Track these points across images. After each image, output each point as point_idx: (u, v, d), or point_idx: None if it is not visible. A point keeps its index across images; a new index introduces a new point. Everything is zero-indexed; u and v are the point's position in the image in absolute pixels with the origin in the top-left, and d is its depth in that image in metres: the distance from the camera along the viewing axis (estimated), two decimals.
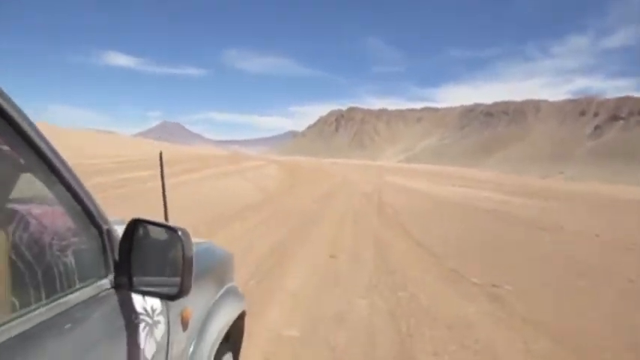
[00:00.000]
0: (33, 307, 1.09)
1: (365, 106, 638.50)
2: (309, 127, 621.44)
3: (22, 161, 1.17)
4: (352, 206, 16.18)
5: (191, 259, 1.43)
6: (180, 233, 1.44)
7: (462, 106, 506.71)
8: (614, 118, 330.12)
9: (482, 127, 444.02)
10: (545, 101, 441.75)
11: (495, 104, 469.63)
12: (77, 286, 1.27)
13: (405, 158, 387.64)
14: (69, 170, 1.24)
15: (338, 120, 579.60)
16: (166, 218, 2.31)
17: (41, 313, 1.09)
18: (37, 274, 1.14)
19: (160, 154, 2.54)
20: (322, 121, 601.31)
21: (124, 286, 1.42)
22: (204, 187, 17.38)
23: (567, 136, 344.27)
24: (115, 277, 1.42)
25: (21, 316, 1.03)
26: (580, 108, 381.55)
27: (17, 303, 1.07)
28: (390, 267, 7.62)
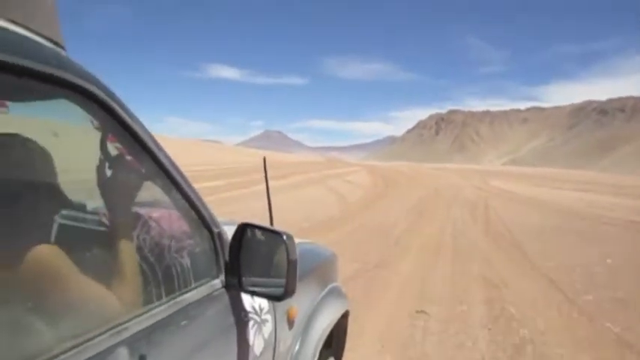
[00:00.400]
0: (155, 304, 1.19)
1: (466, 109, 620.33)
2: (408, 132, 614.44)
3: (143, 170, 1.27)
4: (452, 223, 12.84)
5: (295, 261, 1.49)
6: (284, 237, 1.50)
7: (571, 105, 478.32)
8: None
9: (594, 126, 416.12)
10: None
11: (610, 101, 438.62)
12: (192, 286, 1.36)
13: (510, 161, 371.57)
14: (184, 178, 1.32)
15: (438, 123, 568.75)
16: (271, 222, 2.38)
17: (162, 310, 1.18)
18: (158, 274, 1.26)
19: (264, 159, 2.58)
20: (421, 125, 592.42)
21: (234, 286, 1.50)
22: (285, 197, 14.87)
23: None
24: (225, 278, 1.51)
25: (145, 312, 1.13)
26: None
27: (142, 300, 1.18)
28: (517, 339, 4.72)
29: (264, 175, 2.39)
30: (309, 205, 14.60)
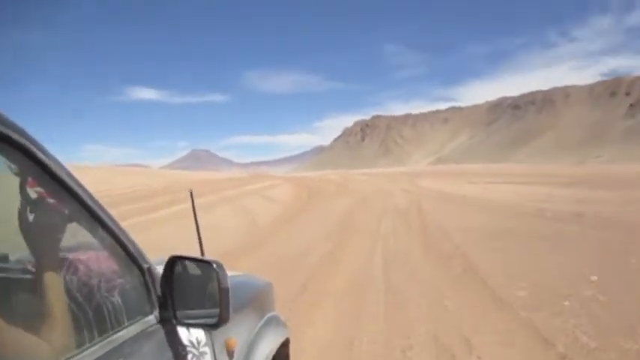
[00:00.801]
0: (87, 345, 1.16)
1: (389, 113, 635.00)
2: (335, 140, 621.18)
3: (66, 212, 1.23)
4: (383, 241, 10.13)
5: (227, 289, 1.49)
6: (214, 266, 1.50)
7: (487, 102, 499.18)
8: None
9: (511, 121, 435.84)
10: (574, 86, 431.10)
11: (522, 96, 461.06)
12: (126, 324, 1.34)
13: (436, 160, 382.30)
14: (109, 216, 1.31)
15: (363, 129, 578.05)
16: (202, 252, 2.36)
17: (95, 350, 1.16)
18: (89, 314, 1.23)
19: (191, 192, 2.52)
20: (347, 133, 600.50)
21: (169, 320, 1.49)
22: (174, 226, 12.43)
23: (600, 119, 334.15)
24: (159, 313, 1.49)
25: (78, 354, 1.10)
26: (610, 89, 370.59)
27: (74, 342, 1.15)
28: None
29: (191, 204, 2.38)
30: (208, 233, 10.49)
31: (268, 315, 2.47)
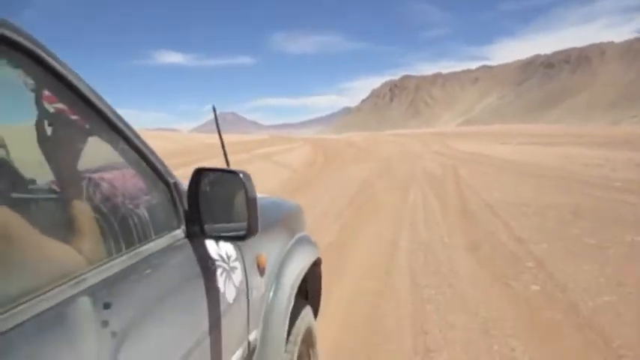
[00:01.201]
0: (115, 256, 1.15)
1: (418, 74, 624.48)
2: (363, 101, 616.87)
3: (87, 126, 1.22)
4: (409, 225, 7.52)
5: (255, 199, 1.46)
6: (241, 176, 1.47)
7: (518, 61, 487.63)
8: None
9: (543, 80, 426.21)
10: (610, 43, 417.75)
11: (555, 53, 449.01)
12: (152, 238, 1.32)
13: (464, 121, 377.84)
14: (133, 132, 1.29)
15: (392, 90, 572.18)
16: (227, 164, 2.23)
17: (122, 261, 1.14)
18: (115, 227, 1.21)
19: (214, 107, 2.42)
20: (375, 94, 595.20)
21: (197, 234, 1.46)
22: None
23: (636, 78, 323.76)
24: (186, 227, 1.46)
25: (104, 263, 1.10)
26: None
27: (101, 252, 1.14)
28: None
29: (215, 120, 2.27)
30: None
31: (299, 235, 2.45)
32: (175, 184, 1.45)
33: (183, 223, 1.46)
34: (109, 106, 1.19)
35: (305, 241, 2.49)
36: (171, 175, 1.45)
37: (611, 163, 15.94)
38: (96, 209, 1.20)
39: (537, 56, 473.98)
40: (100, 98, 1.16)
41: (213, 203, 1.49)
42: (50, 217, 1.18)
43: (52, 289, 0.91)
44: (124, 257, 1.16)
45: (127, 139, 1.27)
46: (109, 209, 1.24)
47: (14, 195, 1.19)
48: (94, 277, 1.03)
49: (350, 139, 51.36)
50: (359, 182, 13.36)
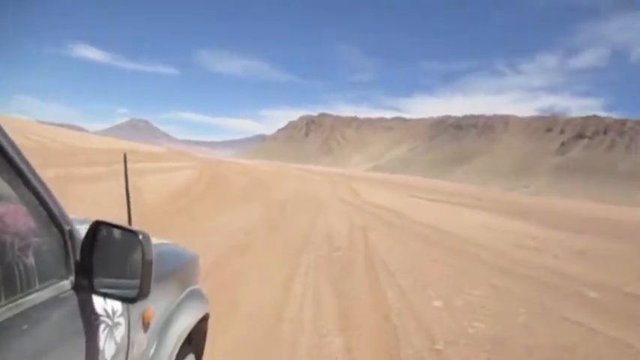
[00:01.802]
0: None
1: (335, 113, 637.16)
2: (279, 131, 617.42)
3: None
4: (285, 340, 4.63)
5: (150, 262, 1.44)
6: (140, 237, 1.45)
7: (432, 118, 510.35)
8: (580, 136, 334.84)
9: (451, 139, 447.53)
10: (514, 116, 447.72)
11: (465, 117, 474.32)
12: (37, 287, 1.26)
13: (373, 167, 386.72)
14: (32, 170, 1.24)
15: (308, 125, 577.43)
16: (129, 220, 2.30)
17: (0, 313, 1.08)
18: (4, 277, 1.13)
19: (125, 155, 2.42)
20: (292, 126, 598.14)
21: (85, 287, 1.42)
22: None
23: (533, 151, 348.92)
24: (75, 279, 1.41)
25: None
26: (547, 125, 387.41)
27: None
28: None
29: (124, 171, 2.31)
30: None
31: (190, 288, 2.40)
32: (70, 232, 1.40)
33: (73, 274, 1.41)
34: (10, 141, 1.14)
35: (196, 295, 2.43)
36: (67, 221, 1.39)
37: (544, 244, 13.80)
38: None
39: (448, 117, 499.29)
40: (4, 132, 1.12)
41: (107, 257, 1.44)
42: None
43: None
44: (1, 310, 1.09)
45: (22, 174, 1.21)
46: None
47: None
48: None
49: (254, 167, 49.16)
50: (226, 241, 8.97)
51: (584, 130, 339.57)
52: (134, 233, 1.45)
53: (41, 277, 1.26)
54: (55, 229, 1.35)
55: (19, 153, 1.17)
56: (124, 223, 1.66)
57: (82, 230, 1.46)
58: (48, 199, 1.30)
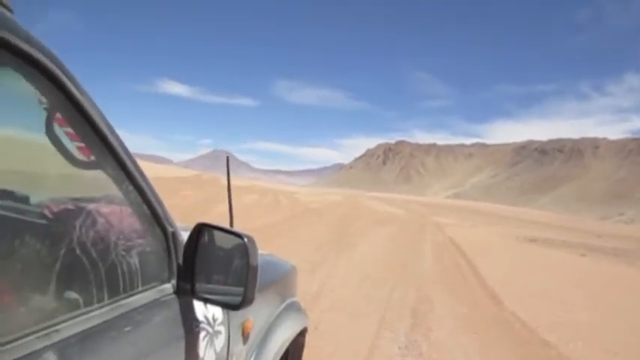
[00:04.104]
0: (95, 306, 1.08)
1: (413, 141, 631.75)
2: (356, 159, 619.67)
3: (93, 158, 1.14)
4: None
5: (256, 268, 1.39)
6: (246, 240, 1.40)
7: (514, 143, 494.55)
8: None
9: (535, 165, 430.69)
10: (604, 139, 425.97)
11: (550, 141, 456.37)
12: (139, 289, 1.25)
13: (454, 194, 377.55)
14: (139, 170, 1.23)
15: (386, 153, 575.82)
16: (231, 223, 2.26)
17: (102, 313, 1.08)
18: (101, 273, 1.12)
19: (227, 158, 2.48)
20: (369, 154, 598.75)
21: (186, 292, 1.38)
22: None
23: (628, 176, 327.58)
24: (177, 282, 1.38)
25: (82, 314, 1.03)
26: None
27: (80, 300, 1.05)
28: None
29: (226, 176, 2.29)
30: None
31: (289, 300, 2.35)
32: (174, 234, 1.36)
33: (175, 277, 1.37)
34: (119, 139, 1.14)
35: (294, 307, 2.39)
36: (171, 222, 1.36)
37: None
38: (85, 248, 1.09)
39: (532, 141, 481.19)
40: (112, 130, 1.12)
41: (209, 261, 1.41)
42: (33, 248, 1.02)
43: (13, 340, 0.83)
44: (104, 309, 1.09)
45: (130, 176, 1.20)
46: (100, 250, 1.13)
47: None
48: (66, 330, 0.95)
49: (324, 200, 39.72)
50: None
51: None
52: (239, 236, 1.40)
53: (144, 279, 1.26)
54: (158, 231, 1.32)
55: (127, 151, 1.16)
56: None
57: (184, 235, 1.42)
58: (153, 199, 1.27)
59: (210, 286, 1.40)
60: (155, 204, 1.29)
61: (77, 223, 1.09)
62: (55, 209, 1.12)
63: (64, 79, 0.92)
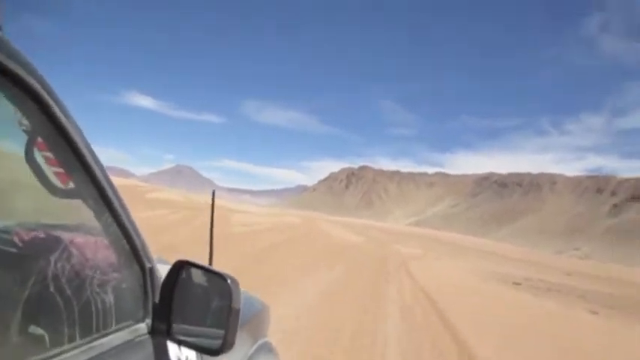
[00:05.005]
0: (65, 347, 1.00)
1: (377, 167, 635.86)
2: (320, 182, 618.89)
3: (71, 185, 1.09)
4: None
5: (238, 311, 1.31)
6: (229, 282, 1.31)
7: (475, 174, 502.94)
8: (634, 198, 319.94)
9: (495, 197, 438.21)
10: (562, 175, 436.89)
11: (510, 175, 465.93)
12: (113, 328, 1.17)
13: (415, 222, 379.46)
14: (121, 202, 1.16)
15: (349, 177, 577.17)
16: (211, 262, 2.10)
17: (73, 355, 1.00)
18: (74, 309, 1.05)
19: (213, 192, 2.24)
20: (332, 177, 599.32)
21: (162, 332, 1.30)
22: None
23: (584, 212, 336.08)
24: (152, 322, 1.30)
25: (52, 356, 0.95)
26: (597, 185, 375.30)
27: (48, 339, 0.99)
28: None
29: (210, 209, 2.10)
30: None
31: (261, 341, 2.26)
32: (151, 270, 1.29)
33: (150, 316, 1.30)
34: (102, 168, 1.07)
35: (266, 349, 2.29)
36: (149, 258, 1.29)
37: None
38: (58, 281, 1.01)
39: (492, 174, 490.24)
40: (96, 158, 1.05)
41: (188, 301, 1.33)
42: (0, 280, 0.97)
43: None
44: (75, 351, 1.00)
45: (111, 207, 1.12)
46: (73, 285, 1.05)
47: None
48: None
49: (281, 221, 38.29)
50: None
51: (639, 192, 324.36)
52: (222, 277, 1.31)
53: (118, 317, 1.18)
54: (136, 266, 1.25)
55: (108, 180, 1.09)
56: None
57: (161, 269, 1.35)
58: (132, 233, 1.20)
59: (187, 327, 1.30)
60: (135, 238, 1.21)
61: (49, 253, 1.02)
62: (26, 237, 1.06)
63: (50, 101, 0.87)
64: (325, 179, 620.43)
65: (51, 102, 0.86)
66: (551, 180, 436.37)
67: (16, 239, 1.07)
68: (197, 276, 1.37)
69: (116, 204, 1.12)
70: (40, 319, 0.97)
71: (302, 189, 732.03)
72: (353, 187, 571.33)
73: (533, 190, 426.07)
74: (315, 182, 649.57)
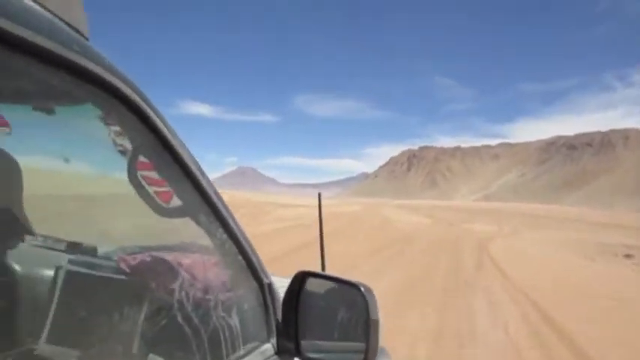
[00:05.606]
0: None
1: (438, 145, 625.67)
2: (381, 168, 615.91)
3: (179, 203, 1.02)
4: None
5: (377, 322, 1.17)
6: (362, 290, 1.17)
7: (540, 140, 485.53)
8: None
9: (564, 161, 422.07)
10: (634, 129, 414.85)
11: (578, 136, 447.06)
12: (241, 352, 1.10)
13: (482, 197, 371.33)
14: (232, 215, 1.09)
15: (410, 159, 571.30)
16: (323, 268, 1.98)
17: None
18: (196, 335, 0.98)
19: (319, 195, 2.10)
20: (393, 162, 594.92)
21: (290, 351, 1.21)
22: None
23: None
24: (277, 341, 1.22)
25: None
26: None
27: None
28: None
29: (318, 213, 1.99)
30: None
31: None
32: (270, 286, 1.21)
33: (274, 335, 1.21)
34: (210, 183, 1.01)
35: (383, 354, 1.97)
36: (266, 273, 1.21)
37: None
38: (177, 306, 0.95)
39: (559, 137, 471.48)
40: (203, 173, 0.98)
41: (312, 314, 1.23)
42: (107, 311, 0.91)
43: None
44: None
45: (224, 223, 1.06)
46: (194, 309, 0.99)
47: (69, 267, 0.98)
48: None
49: (335, 212, 35.62)
50: None
51: None
52: (354, 286, 1.17)
53: (244, 339, 1.11)
54: (254, 283, 1.17)
55: (218, 195, 1.02)
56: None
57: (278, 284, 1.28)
58: (247, 248, 1.12)
59: (316, 342, 1.20)
60: (249, 253, 1.14)
61: (161, 277, 0.98)
62: (132, 262, 1.01)
63: (153, 115, 0.80)
64: (386, 164, 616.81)
65: (154, 116, 0.81)
66: (624, 135, 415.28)
67: (123, 265, 1.02)
68: (317, 286, 1.27)
69: (228, 219, 1.06)
70: (161, 347, 0.93)
71: (364, 176, 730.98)
72: (415, 168, 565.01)
73: (605, 149, 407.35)
74: (376, 168, 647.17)
